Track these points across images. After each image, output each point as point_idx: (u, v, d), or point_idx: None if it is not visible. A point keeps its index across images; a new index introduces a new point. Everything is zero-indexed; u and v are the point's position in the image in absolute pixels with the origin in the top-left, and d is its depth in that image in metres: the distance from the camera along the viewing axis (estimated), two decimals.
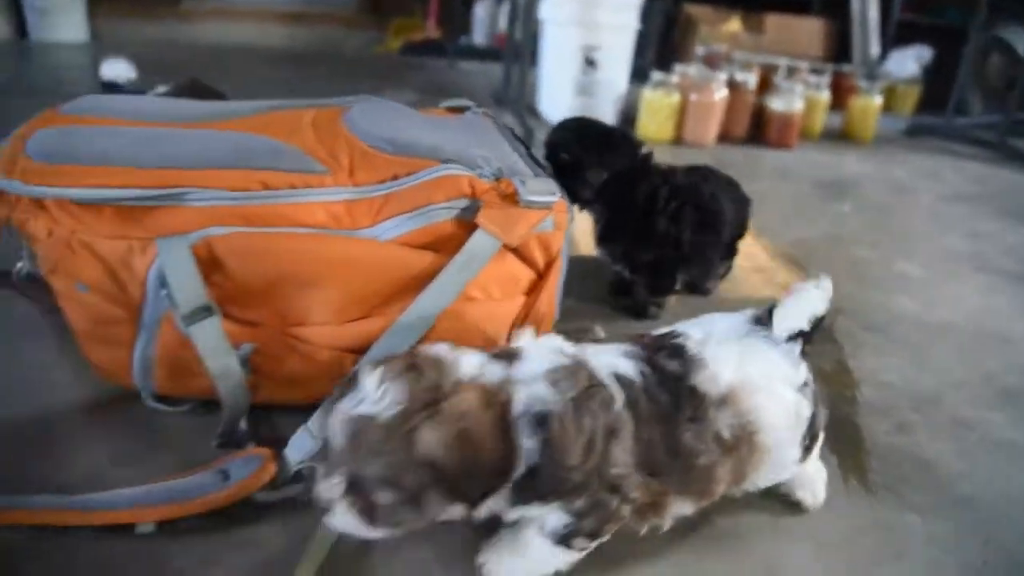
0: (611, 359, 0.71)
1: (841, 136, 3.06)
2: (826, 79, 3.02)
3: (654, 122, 2.70)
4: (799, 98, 2.78)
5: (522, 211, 0.90)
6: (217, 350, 0.81)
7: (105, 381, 0.94)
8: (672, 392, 0.70)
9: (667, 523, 0.74)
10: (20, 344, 1.04)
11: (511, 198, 0.91)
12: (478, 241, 0.87)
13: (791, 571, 0.79)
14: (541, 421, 0.63)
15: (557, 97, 2.77)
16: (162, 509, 0.77)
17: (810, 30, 4.02)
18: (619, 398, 0.67)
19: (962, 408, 1.13)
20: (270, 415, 0.92)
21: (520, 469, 0.63)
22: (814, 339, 0.79)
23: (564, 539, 0.68)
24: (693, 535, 0.81)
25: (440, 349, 0.65)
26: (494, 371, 0.65)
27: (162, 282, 0.81)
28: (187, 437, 0.89)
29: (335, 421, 0.62)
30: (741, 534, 0.83)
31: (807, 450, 0.79)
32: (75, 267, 0.84)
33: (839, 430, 1.03)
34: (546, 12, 2.70)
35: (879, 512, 0.89)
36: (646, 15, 2.93)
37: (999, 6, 3.31)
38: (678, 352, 0.73)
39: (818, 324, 0.78)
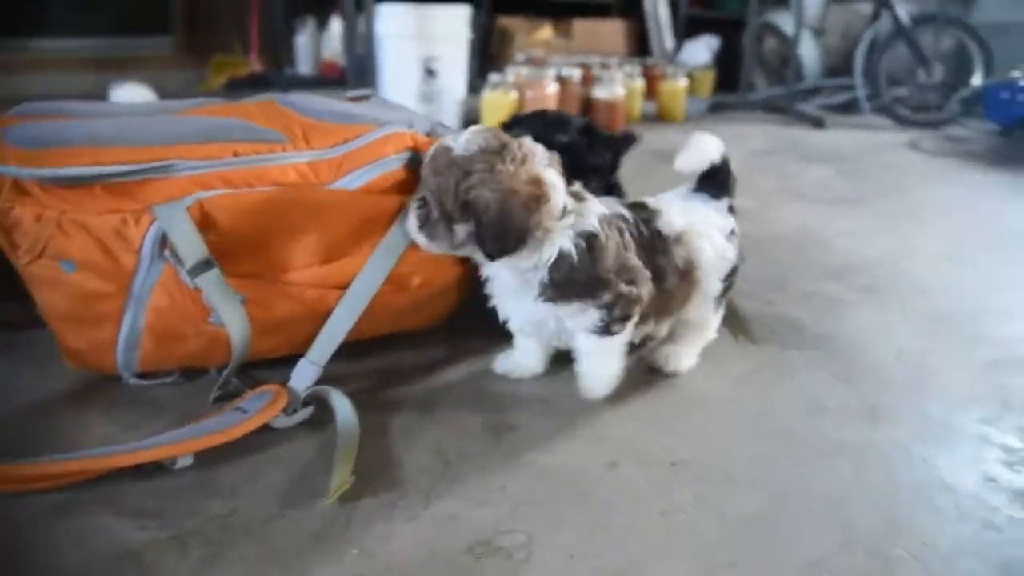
0: (612, 204, 0.98)
1: (657, 117, 3.48)
2: (638, 70, 3.43)
3: (495, 119, 2.94)
4: (619, 86, 3.16)
5: None
6: (223, 297, 0.93)
7: (81, 370, 1.00)
8: (647, 231, 0.98)
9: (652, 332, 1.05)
10: None
11: None
12: None
13: (714, 398, 1.04)
14: (587, 237, 0.91)
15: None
16: (196, 442, 0.87)
17: (612, 30, 4.49)
18: (625, 228, 0.95)
19: (804, 284, 1.45)
20: (252, 372, 1.03)
21: (549, 257, 0.90)
22: (725, 186, 1.07)
23: (604, 329, 0.94)
24: (637, 380, 1.05)
25: (537, 147, 0.92)
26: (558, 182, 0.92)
27: (162, 244, 0.91)
28: (183, 402, 0.99)
29: (431, 150, 0.91)
30: (673, 380, 1.08)
31: (724, 292, 1.06)
32: (64, 247, 0.91)
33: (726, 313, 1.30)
34: (382, 27, 2.88)
35: (767, 354, 1.17)
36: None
37: None
38: (643, 206, 1.01)
39: (718, 171, 1.05)
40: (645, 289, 0.95)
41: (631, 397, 1.03)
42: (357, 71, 3.02)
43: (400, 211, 1.01)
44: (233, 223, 0.94)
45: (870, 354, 1.17)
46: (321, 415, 0.96)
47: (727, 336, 1.21)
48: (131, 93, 2.11)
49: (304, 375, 0.97)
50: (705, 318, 1.08)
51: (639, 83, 3.38)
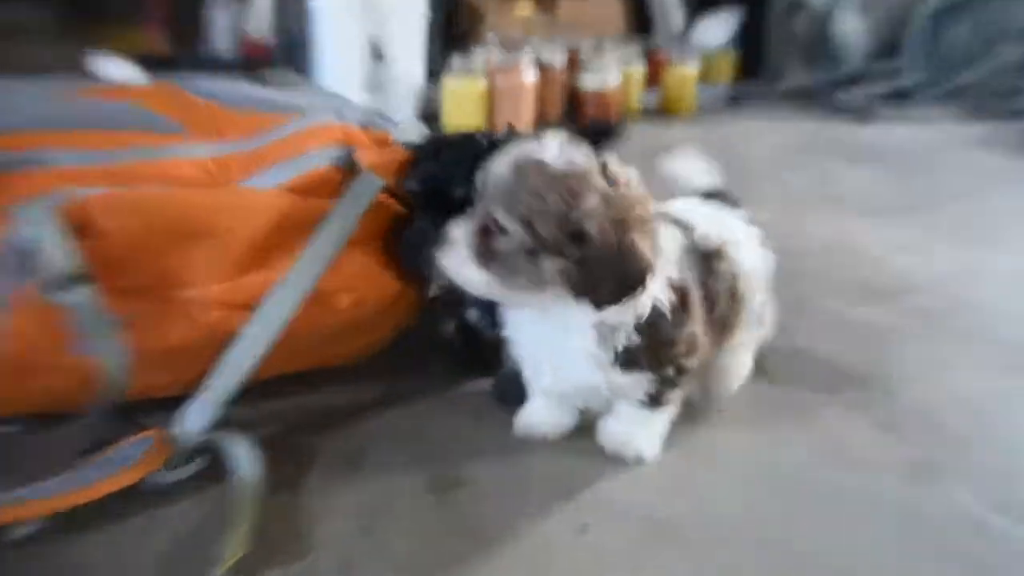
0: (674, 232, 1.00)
1: (662, 111, 3.55)
2: (638, 53, 3.50)
3: (460, 112, 3.01)
4: (614, 73, 3.22)
5: (397, 149, 1.13)
6: (98, 319, 0.95)
7: None
8: (695, 254, 1.00)
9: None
10: None
11: (384, 142, 1.15)
12: (362, 180, 1.08)
13: (719, 446, 1.07)
14: (676, 284, 0.92)
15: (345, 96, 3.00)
16: (46, 503, 0.86)
17: (607, 5, 4.57)
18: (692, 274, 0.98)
19: (838, 309, 1.50)
20: (137, 417, 1.03)
21: (644, 312, 0.91)
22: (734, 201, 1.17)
23: (653, 402, 0.99)
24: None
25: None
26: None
27: (22, 253, 0.92)
28: (34, 458, 0.97)
29: (502, 163, 0.86)
30: (684, 424, 1.09)
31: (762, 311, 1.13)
32: None
33: None
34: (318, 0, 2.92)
35: (788, 396, 1.20)
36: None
37: None
38: (678, 223, 1.02)
39: (721, 193, 1.16)
40: (698, 358, 0.99)
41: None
42: (287, 52, 3.06)
43: (323, 214, 1.04)
44: (117, 228, 0.96)
45: (921, 396, 1.20)
46: (217, 468, 0.97)
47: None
48: (119, 70, 2.12)
49: (196, 417, 0.98)
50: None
51: (639, 69, 3.45)
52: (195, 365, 1.02)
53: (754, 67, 4.12)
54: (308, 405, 1.12)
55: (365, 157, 1.10)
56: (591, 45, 3.48)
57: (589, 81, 3.18)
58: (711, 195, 1.14)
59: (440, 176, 1.09)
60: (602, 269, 0.85)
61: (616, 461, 1.02)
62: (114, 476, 0.90)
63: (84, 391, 0.99)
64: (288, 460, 0.99)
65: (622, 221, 0.85)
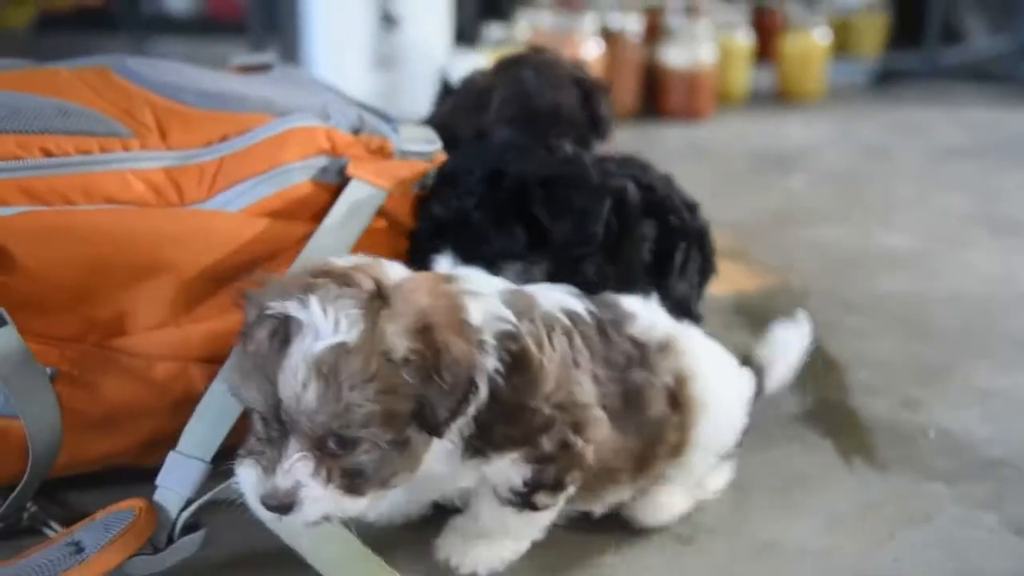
0: (559, 296, 1.10)
1: (777, 95, 3.68)
2: (742, 15, 3.63)
3: None
4: (707, 44, 3.33)
5: (401, 163, 1.25)
6: (19, 370, 1.04)
7: None
8: (617, 337, 1.11)
9: (606, 502, 1.16)
10: None
11: (382, 152, 1.26)
12: (355, 192, 1.19)
13: (787, 549, 1.18)
14: (507, 339, 0.98)
15: (342, 77, 3.00)
16: None
17: None
18: (575, 331, 1.07)
19: (980, 375, 1.60)
20: (59, 494, 1.15)
21: (480, 394, 0.96)
22: None
23: (526, 498, 1.05)
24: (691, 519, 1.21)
25: (357, 259, 0.98)
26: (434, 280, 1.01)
27: None
28: None
29: (290, 373, 0.88)
30: (738, 520, 1.23)
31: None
32: None
33: (829, 416, 1.46)
34: None
35: (895, 484, 1.31)
36: None
37: None
38: (607, 304, 1.15)
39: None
40: (593, 441, 1.06)
41: (647, 542, 1.19)
42: (266, 13, 3.24)
43: (303, 241, 1.15)
44: (41, 258, 1.06)
45: None
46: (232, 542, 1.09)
47: (828, 452, 1.36)
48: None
49: (181, 477, 1.05)
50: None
51: (745, 39, 3.56)
52: (145, 429, 1.13)
53: (913, 31, 4.14)
54: None
55: (361, 171, 1.20)
56: (678, 4, 3.58)
57: (675, 56, 3.29)
58: None
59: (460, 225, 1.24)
60: (432, 392, 0.92)
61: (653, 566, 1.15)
62: (83, 564, 0.97)
63: (4, 462, 1.08)
64: None
65: (424, 328, 0.92)
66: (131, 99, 1.22)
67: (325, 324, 0.89)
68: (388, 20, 3.13)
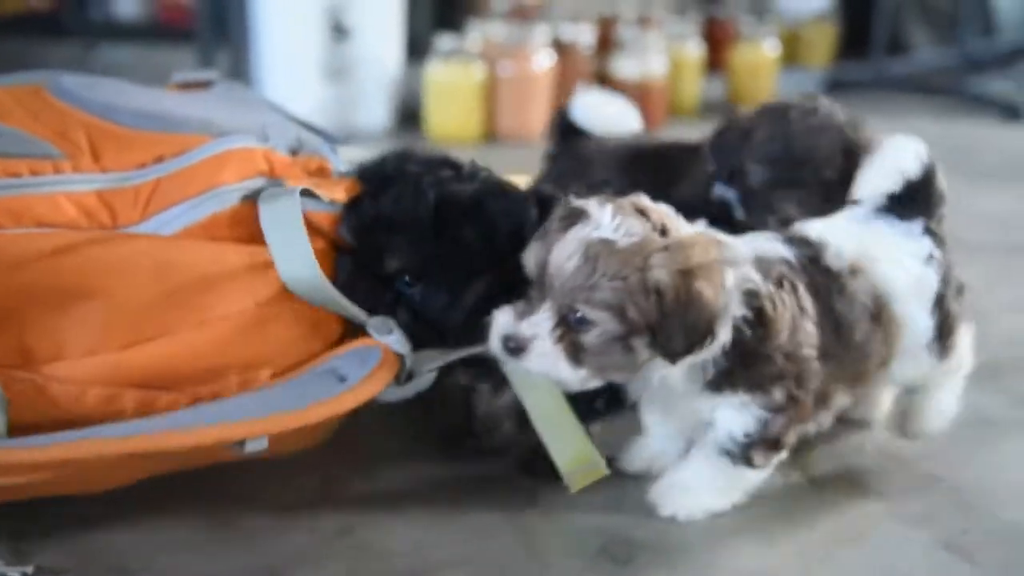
0: (774, 245, 1.25)
1: (728, 106, 3.63)
2: (694, 26, 3.67)
3: (449, 113, 3.17)
4: (658, 56, 3.36)
5: (340, 181, 1.26)
6: None
7: None
8: (818, 274, 1.24)
9: (831, 417, 1.34)
10: None
11: (321, 172, 1.28)
12: (270, 196, 1.19)
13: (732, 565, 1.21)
14: (752, 297, 1.14)
15: (293, 88, 3.12)
16: (272, 420, 1.11)
17: None
18: (799, 281, 1.21)
19: None
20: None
21: (723, 340, 1.13)
22: (922, 205, 1.38)
23: (745, 451, 1.21)
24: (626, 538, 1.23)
25: (659, 206, 1.16)
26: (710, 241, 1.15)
27: None
28: None
29: (564, 247, 1.09)
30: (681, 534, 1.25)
31: (942, 339, 1.34)
32: None
33: None
34: None
35: (828, 502, 1.34)
36: None
37: None
38: (805, 241, 1.28)
39: (917, 188, 1.36)
40: (811, 392, 1.22)
41: (582, 562, 1.20)
42: (215, 20, 3.23)
43: (248, 263, 1.16)
44: None
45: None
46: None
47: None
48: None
49: (399, 338, 1.21)
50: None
51: (695, 50, 3.60)
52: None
53: (862, 43, 4.23)
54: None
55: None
56: (630, 15, 3.62)
57: (626, 67, 3.32)
58: (905, 195, 1.37)
59: (376, 231, 1.25)
60: (673, 325, 1.09)
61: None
62: (343, 394, 1.15)
63: None
64: None
65: (687, 272, 1.08)
66: (64, 120, 1.22)
67: (607, 223, 1.09)
68: (339, 31, 3.15)
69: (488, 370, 1.30)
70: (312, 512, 1.27)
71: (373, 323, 1.20)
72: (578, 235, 1.09)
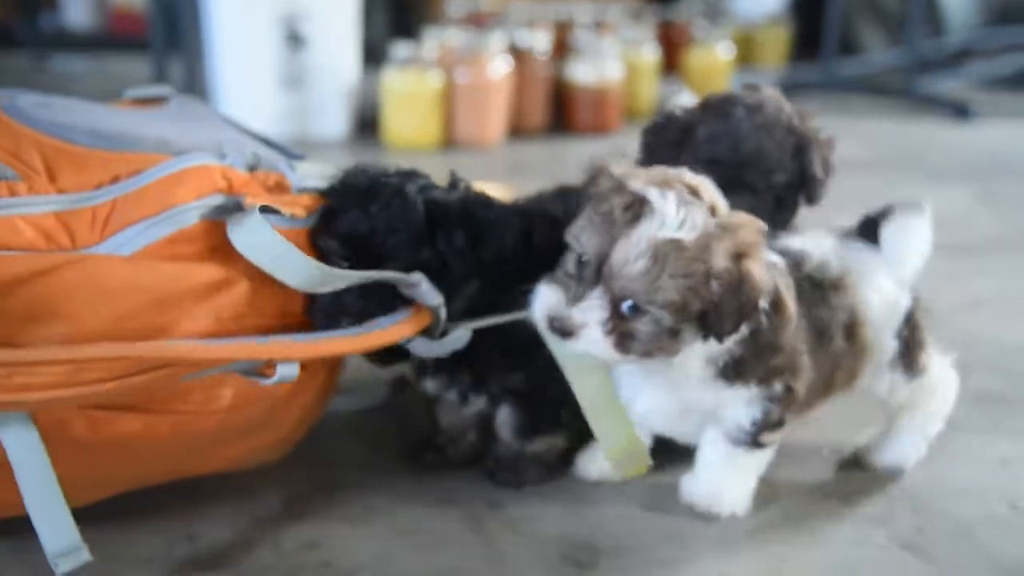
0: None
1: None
2: (649, 30, 3.70)
3: (407, 120, 3.19)
4: (614, 61, 3.40)
5: (297, 198, 1.27)
6: None
7: None
8: (800, 278, 1.28)
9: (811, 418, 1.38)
10: None
11: (280, 188, 1.29)
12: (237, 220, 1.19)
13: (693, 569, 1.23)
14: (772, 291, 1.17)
15: (249, 97, 3.17)
16: (308, 346, 1.18)
17: None
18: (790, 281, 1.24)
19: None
20: None
21: (750, 326, 1.17)
22: None
23: (754, 436, 1.26)
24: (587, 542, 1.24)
25: (698, 178, 1.19)
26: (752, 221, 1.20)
27: None
28: None
29: (631, 246, 1.09)
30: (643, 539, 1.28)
31: (906, 355, 1.38)
32: None
33: None
34: None
35: (787, 504, 1.37)
36: None
37: None
38: (785, 250, 1.30)
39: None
40: (802, 382, 1.26)
41: (543, 567, 1.22)
42: (168, 29, 3.22)
43: (213, 285, 1.17)
44: None
45: None
46: None
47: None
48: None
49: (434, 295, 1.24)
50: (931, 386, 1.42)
51: (651, 54, 3.63)
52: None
53: (814, 44, 4.26)
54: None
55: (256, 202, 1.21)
56: (588, 21, 3.63)
57: (582, 72, 3.35)
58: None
59: (371, 238, 1.24)
60: (727, 306, 1.12)
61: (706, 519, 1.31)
62: (372, 333, 1.20)
63: None
64: None
65: (740, 254, 1.12)
66: (18, 141, 1.21)
67: (674, 218, 1.10)
68: (294, 40, 3.16)
69: (454, 380, 1.34)
70: (276, 527, 1.28)
71: (402, 278, 1.21)
72: (646, 234, 1.10)
